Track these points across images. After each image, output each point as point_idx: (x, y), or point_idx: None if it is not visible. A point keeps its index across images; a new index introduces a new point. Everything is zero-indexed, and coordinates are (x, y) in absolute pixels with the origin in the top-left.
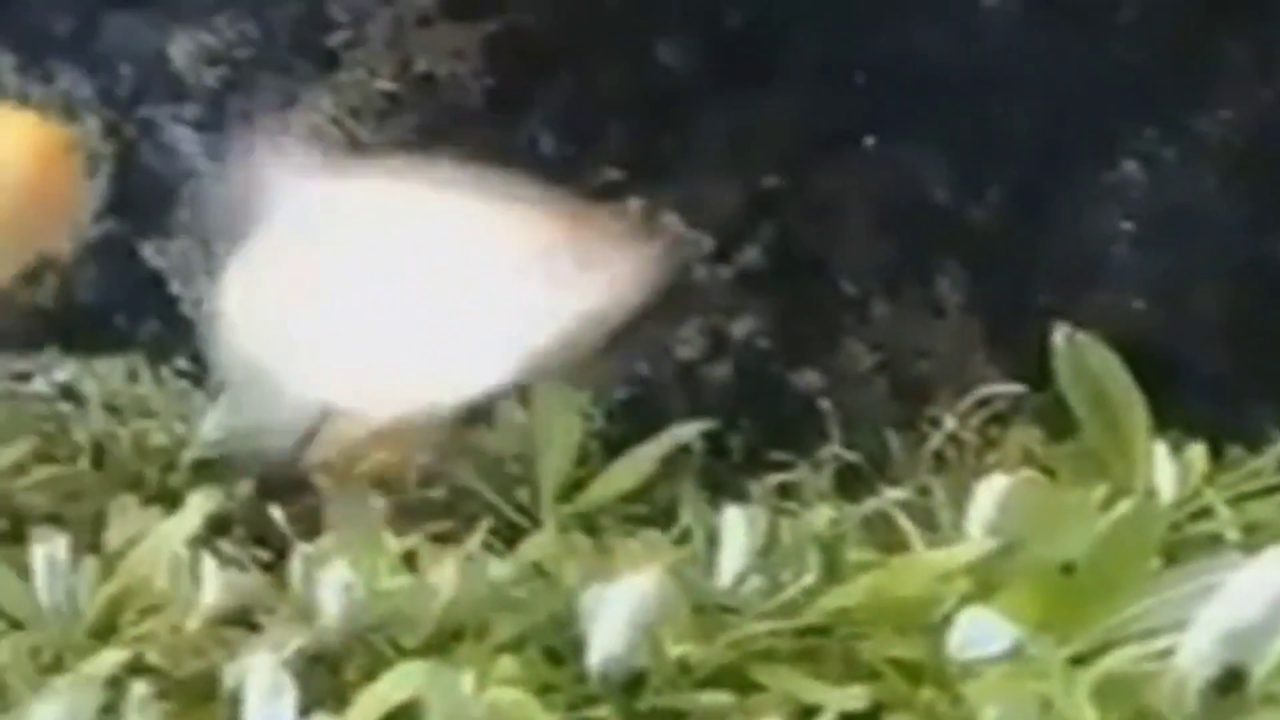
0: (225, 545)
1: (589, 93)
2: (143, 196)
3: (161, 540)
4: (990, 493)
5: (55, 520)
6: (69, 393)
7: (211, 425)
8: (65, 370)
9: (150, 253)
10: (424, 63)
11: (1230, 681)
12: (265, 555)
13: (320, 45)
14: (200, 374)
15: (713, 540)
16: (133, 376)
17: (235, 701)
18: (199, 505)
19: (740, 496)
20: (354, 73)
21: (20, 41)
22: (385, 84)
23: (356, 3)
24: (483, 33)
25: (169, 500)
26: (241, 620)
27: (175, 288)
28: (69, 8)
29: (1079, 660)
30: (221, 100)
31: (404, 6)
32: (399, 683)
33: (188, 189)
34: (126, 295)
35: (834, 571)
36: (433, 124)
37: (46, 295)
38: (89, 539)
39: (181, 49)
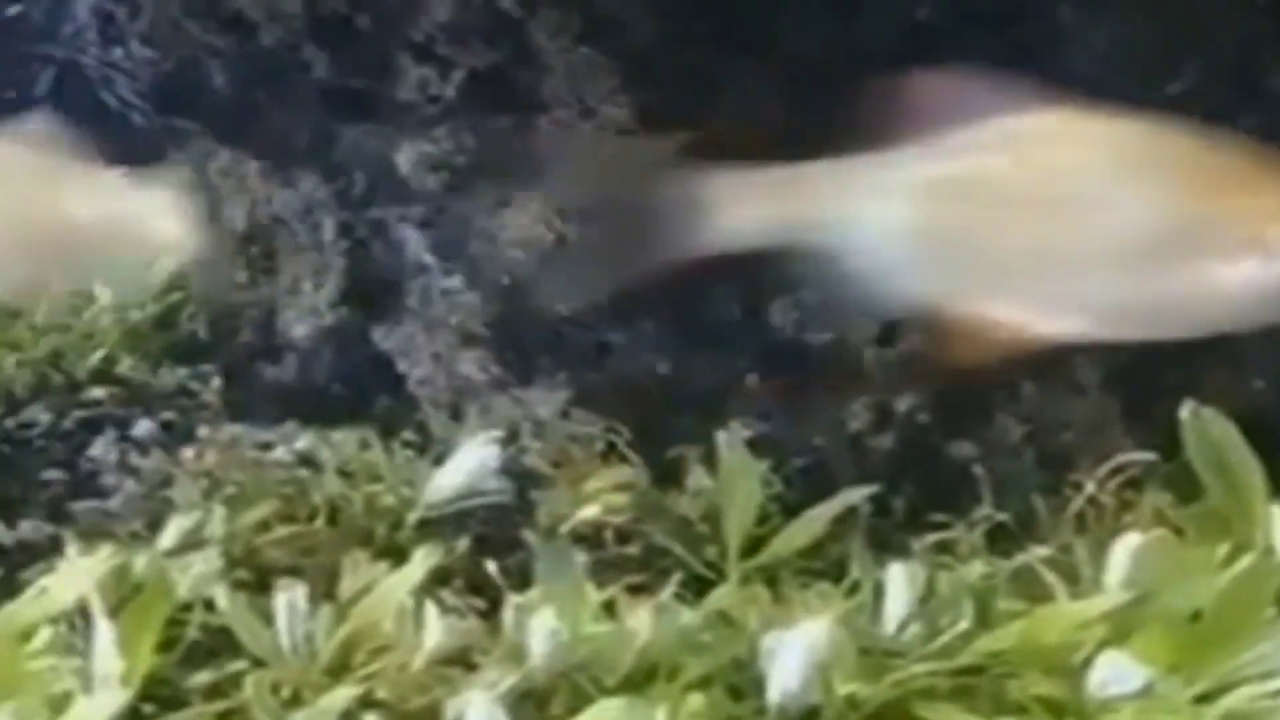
0: (446, 595)
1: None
2: (373, 287)
3: (389, 590)
4: (1125, 550)
5: (295, 572)
6: (307, 460)
7: (434, 489)
8: (304, 440)
9: (380, 336)
10: None
11: None
12: (481, 604)
13: (529, 152)
14: (424, 444)
15: (878, 591)
16: (364, 445)
17: None
18: (423, 559)
19: (903, 553)
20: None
21: (264, 150)
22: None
23: (562, 116)
24: (673, 142)
25: (396, 555)
26: (460, 661)
27: (402, 367)
28: (308, 121)
29: (1203, 699)
30: (443, 202)
31: (604, 119)
32: (599, 717)
33: (413, 280)
34: (359, 374)
35: (986, 619)
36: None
37: (288, 373)
38: (325, 589)
39: (407, 157)
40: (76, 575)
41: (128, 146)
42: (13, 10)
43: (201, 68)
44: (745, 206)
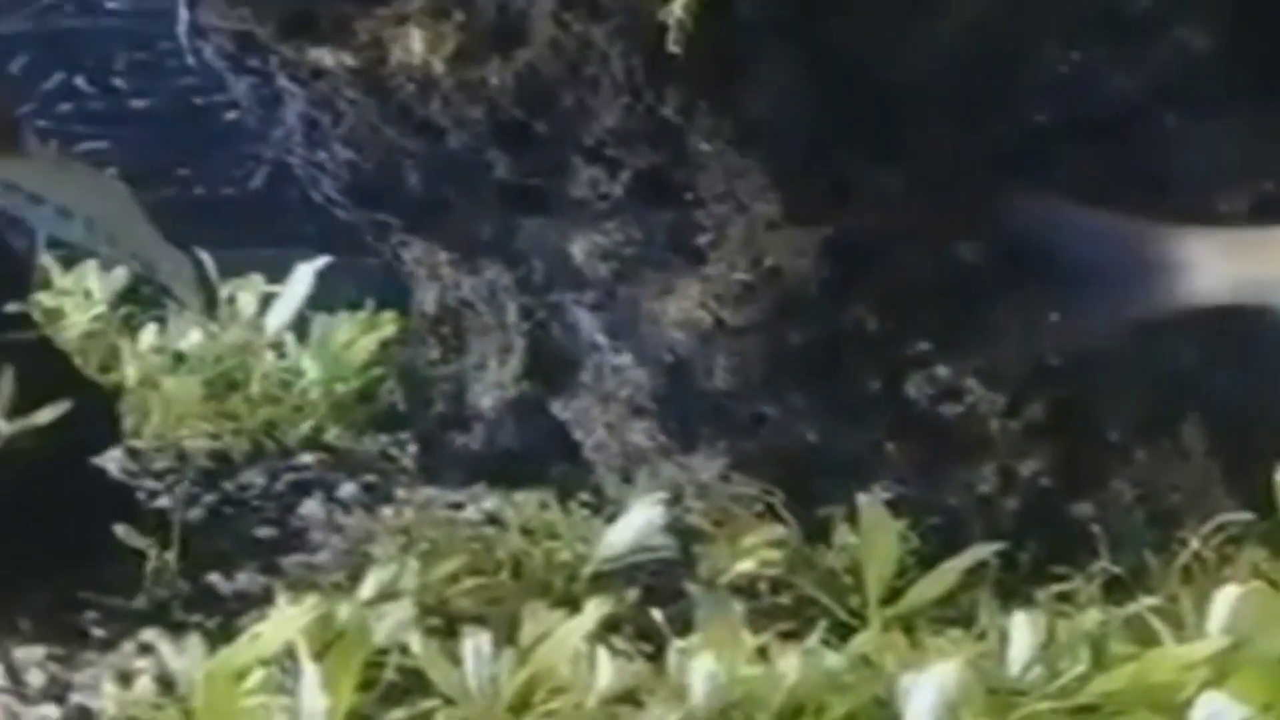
0: (616, 640)
1: (904, 283)
2: (552, 364)
3: (565, 636)
4: (1226, 600)
5: (481, 620)
6: (493, 519)
7: (606, 545)
8: (491, 501)
9: (558, 408)
10: (772, 259)
11: None
12: (648, 648)
13: (690, 244)
14: (598, 505)
15: (1004, 637)
16: (544, 506)
17: None
18: (595, 608)
19: (1027, 602)
20: (717, 266)
21: (453, 241)
22: (742, 275)
23: (718, 211)
24: (819, 235)
25: (571, 604)
26: (629, 700)
27: (578, 436)
28: (492, 215)
29: None
30: (613, 288)
31: (756, 214)
32: None
33: (587, 358)
34: (539, 442)
35: (1101, 662)
36: (780, 307)
37: (476, 441)
38: (508, 635)
39: (580, 247)
40: (286, 622)
41: (331, 237)
42: (231, 115)
43: (396, 168)
44: (1220, 266)
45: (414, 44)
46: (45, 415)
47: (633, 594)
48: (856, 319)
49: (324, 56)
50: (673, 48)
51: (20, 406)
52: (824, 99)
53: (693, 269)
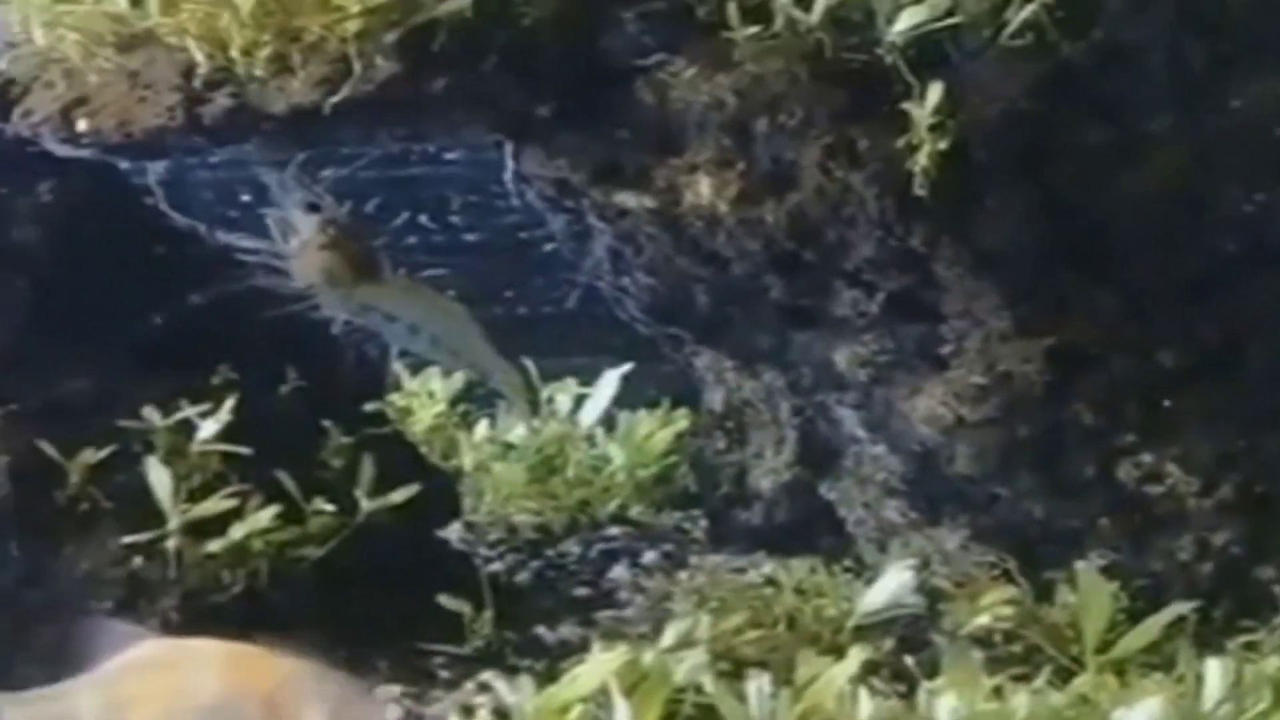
0: (875, 681)
1: (1114, 384)
2: (819, 453)
3: (832, 678)
4: None
5: (762, 664)
6: (771, 581)
7: (866, 603)
8: (769, 566)
9: (824, 489)
10: (1004, 365)
11: None
12: (901, 689)
13: (935, 353)
14: (858, 570)
15: (1200, 680)
16: (813, 570)
17: None
18: (857, 655)
19: (1219, 650)
20: (958, 371)
21: (736, 351)
22: (978, 379)
23: (958, 325)
24: (1043, 345)
25: (837, 652)
26: None
27: (841, 513)
28: (769, 330)
29: None
30: (870, 390)
31: (990, 328)
32: None
33: (849, 448)
34: (809, 517)
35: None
36: (1010, 405)
37: (756, 516)
38: (784, 677)
39: (843, 356)
40: (600, 666)
41: (633, 348)
42: (549, 247)
43: (688, 291)
44: None
45: (703, 189)
46: (398, 495)
47: (888, 644)
48: (1075, 415)
49: (628, 199)
50: (919, 190)
51: (378, 488)
52: (1047, 231)
53: (937, 374)
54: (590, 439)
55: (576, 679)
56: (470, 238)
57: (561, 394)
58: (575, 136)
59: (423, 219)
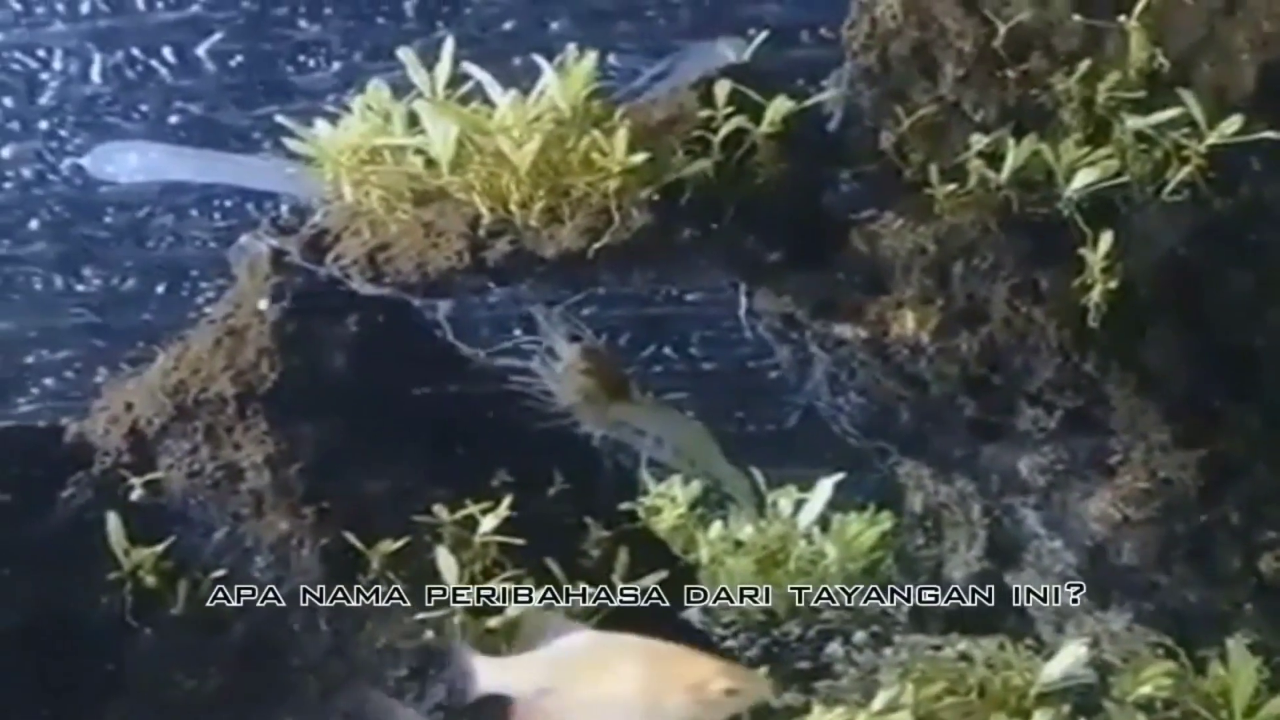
0: None
1: (1258, 489)
2: (1005, 548)
3: None
4: None
5: None
6: (965, 656)
7: (1046, 675)
8: (963, 644)
9: (1009, 579)
10: (1164, 472)
11: None
12: None
13: (1104, 462)
14: (1039, 647)
15: None
16: (1001, 647)
17: None
18: (1041, 717)
19: None
20: (1124, 477)
21: (933, 461)
22: (1142, 484)
23: (1125, 439)
24: (1197, 455)
25: (1023, 715)
26: None
27: (1022, 600)
28: (961, 443)
29: None
30: (1048, 493)
31: (1152, 440)
32: None
33: (1030, 544)
34: (996, 603)
35: None
36: (1169, 506)
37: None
38: None
39: (1025, 464)
40: None
41: (844, 459)
42: (773, 374)
43: (893, 410)
44: None
45: (908, 322)
46: (649, 580)
47: (1065, 709)
48: (1224, 515)
49: (844, 330)
50: (1092, 323)
51: (631, 574)
52: (1200, 358)
53: (1107, 480)
54: (808, 538)
55: None
56: (706, 366)
57: (783, 499)
58: (800, 277)
59: (666, 350)
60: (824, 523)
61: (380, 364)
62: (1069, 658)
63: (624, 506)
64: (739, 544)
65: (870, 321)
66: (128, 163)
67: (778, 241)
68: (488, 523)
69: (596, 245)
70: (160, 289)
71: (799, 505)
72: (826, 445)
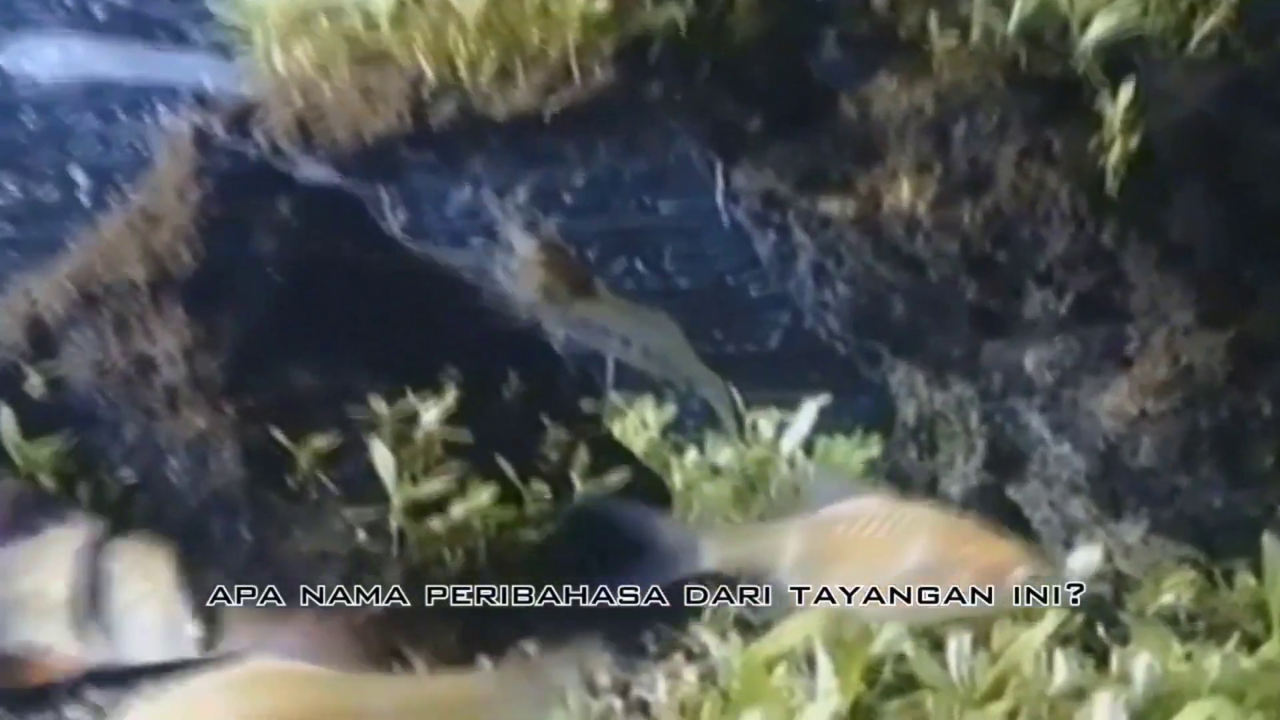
0: (1070, 652)
1: None
2: (1006, 457)
3: (1027, 641)
4: None
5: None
6: None
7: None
8: None
9: (1011, 491)
10: (1187, 358)
11: None
12: (1091, 660)
13: (1120, 352)
14: None
15: None
16: None
17: None
18: (1049, 621)
19: None
20: (1143, 367)
21: (928, 362)
22: (1163, 373)
23: (1144, 323)
24: (1226, 337)
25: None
26: (1076, 696)
27: (1028, 512)
28: (961, 339)
29: None
30: (1056, 391)
31: (1175, 323)
32: (1194, 713)
33: (1035, 450)
34: (997, 519)
35: None
36: (1193, 398)
37: None
38: (982, 642)
39: (1031, 360)
40: (804, 622)
41: (828, 382)
42: (753, 293)
43: (886, 301)
44: None
45: (903, 192)
46: (613, 478)
47: (1078, 619)
48: (1255, 405)
49: (831, 206)
50: (1109, 188)
51: (591, 477)
52: (1230, 227)
53: (1123, 371)
54: (791, 462)
55: (781, 634)
56: (681, 283)
57: (764, 421)
58: (783, 147)
59: (638, 265)
60: (808, 447)
61: (316, 252)
62: (1081, 560)
63: (588, 409)
64: (715, 470)
65: (861, 195)
66: (48, 58)
67: (758, 106)
68: (430, 414)
69: (554, 106)
70: (84, 199)
71: (781, 428)
72: (811, 367)
